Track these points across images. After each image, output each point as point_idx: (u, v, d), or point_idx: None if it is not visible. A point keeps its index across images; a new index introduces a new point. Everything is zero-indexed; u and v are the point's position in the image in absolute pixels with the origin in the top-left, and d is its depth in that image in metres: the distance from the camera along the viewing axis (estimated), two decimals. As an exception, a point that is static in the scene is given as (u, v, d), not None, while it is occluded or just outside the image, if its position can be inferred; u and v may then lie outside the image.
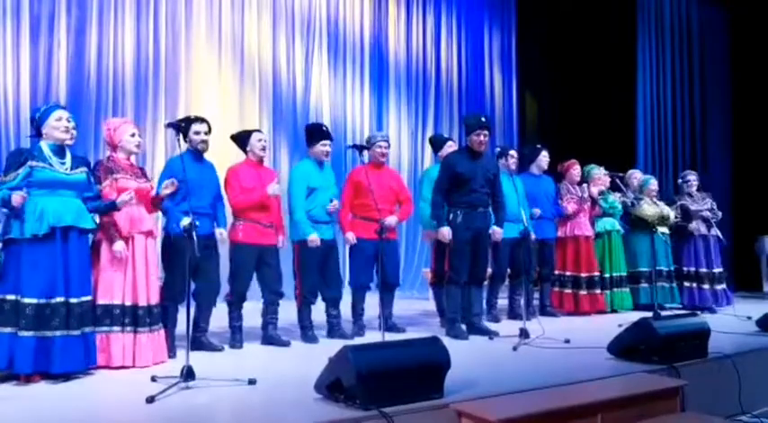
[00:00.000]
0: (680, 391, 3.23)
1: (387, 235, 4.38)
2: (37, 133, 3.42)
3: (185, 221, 3.26)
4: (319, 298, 4.57)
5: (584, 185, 5.99)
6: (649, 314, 4.19)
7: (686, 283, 6.31)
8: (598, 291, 5.84)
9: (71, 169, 3.38)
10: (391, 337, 3.69)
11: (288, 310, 4.61)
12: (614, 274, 5.98)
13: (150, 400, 2.78)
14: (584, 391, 3.09)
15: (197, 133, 4.04)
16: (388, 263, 4.60)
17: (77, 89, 6.39)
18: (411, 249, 8.64)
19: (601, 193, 6.03)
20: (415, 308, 6.51)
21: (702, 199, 6.49)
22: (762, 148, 8.37)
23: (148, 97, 6.83)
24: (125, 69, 6.69)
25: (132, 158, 3.83)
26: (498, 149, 5.46)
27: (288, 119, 7.83)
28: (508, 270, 5.55)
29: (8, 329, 3.16)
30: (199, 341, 3.99)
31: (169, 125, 3.57)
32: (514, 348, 4.08)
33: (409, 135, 8.92)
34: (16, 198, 3.14)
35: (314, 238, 4.33)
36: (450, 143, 5.39)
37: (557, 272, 5.85)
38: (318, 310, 4.58)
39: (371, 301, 4.84)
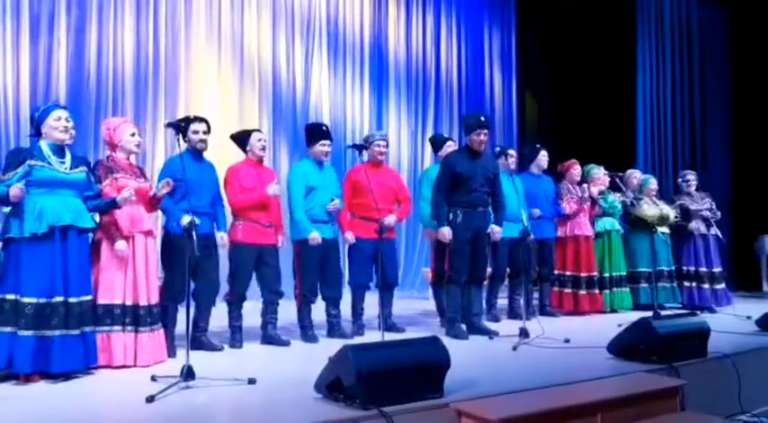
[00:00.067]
0: (679, 391, 3.23)
1: (386, 235, 4.38)
2: (36, 132, 3.42)
3: (185, 220, 3.26)
4: (319, 297, 4.57)
5: (585, 185, 5.99)
6: (649, 314, 4.19)
7: (686, 283, 6.31)
8: (597, 291, 5.85)
9: (70, 168, 3.38)
10: (391, 336, 3.69)
11: (288, 310, 4.62)
12: (614, 274, 5.99)
13: (150, 399, 2.78)
14: (584, 390, 3.09)
15: (195, 132, 4.04)
16: (387, 262, 4.59)
17: (77, 88, 6.39)
18: (411, 249, 8.64)
19: (601, 192, 6.03)
20: (415, 307, 6.51)
21: (701, 198, 6.49)
22: (762, 148, 8.37)
23: (148, 97, 6.83)
24: (125, 69, 6.68)
25: (132, 158, 3.83)
26: (498, 149, 5.45)
27: (287, 118, 7.83)
28: (507, 270, 5.55)
29: (8, 329, 3.16)
30: (199, 341, 3.99)
31: (169, 125, 3.57)
32: (514, 348, 4.08)
33: (409, 135, 8.92)
34: (14, 191, 3.13)
35: (315, 237, 4.33)
36: (449, 143, 5.39)
37: (557, 272, 5.85)
38: (318, 310, 4.58)
39: (371, 301, 4.84)
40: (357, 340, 4.28)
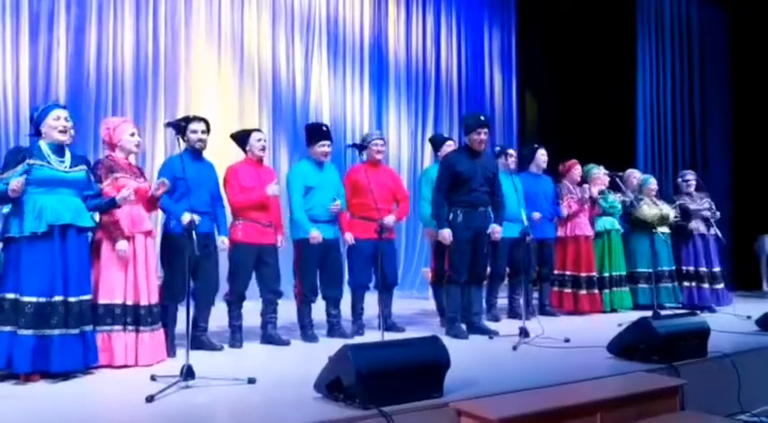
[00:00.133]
0: (679, 391, 3.24)
1: (386, 235, 4.38)
2: (36, 132, 3.42)
3: (186, 218, 3.26)
4: (319, 297, 4.57)
5: (585, 186, 5.98)
6: (649, 313, 4.19)
7: (685, 283, 6.31)
8: (597, 290, 5.85)
9: (70, 167, 3.37)
10: (391, 336, 3.69)
11: (288, 309, 4.61)
12: (614, 274, 5.99)
13: (150, 399, 2.78)
14: (584, 390, 3.09)
15: (194, 132, 4.04)
16: (387, 263, 4.59)
17: (77, 88, 6.38)
18: (411, 249, 8.64)
19: (601, 192, 6.03)
20: (415, 307, 6.50)
21: (701, 198, 6.49)
22: (762, 147, 8.37)
23: (148, 96, 6.83)
24: (125, 68, 6.68)
25: (131, 158, 3.83)
26: (498, 149, 5.45)
27: (287, 118, 7.83)
28: (507, 269, 5.55)
29: (8, 328, 3.16)
30: (198, 340, 3.99)
31: (168, 124, 3.58)
32: (514, 348, 4.08)
33: (409, 134, 8.92)
34: (15, 184, 3.12)
35: (315, 235, 4.33)
36: (449, 143, 5.39)
37: (557, 272, 5.85)
38: (318, 310, 4.58)
39: (371, 301, 4.84)
40: (357, 340, 4.28)
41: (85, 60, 6.44)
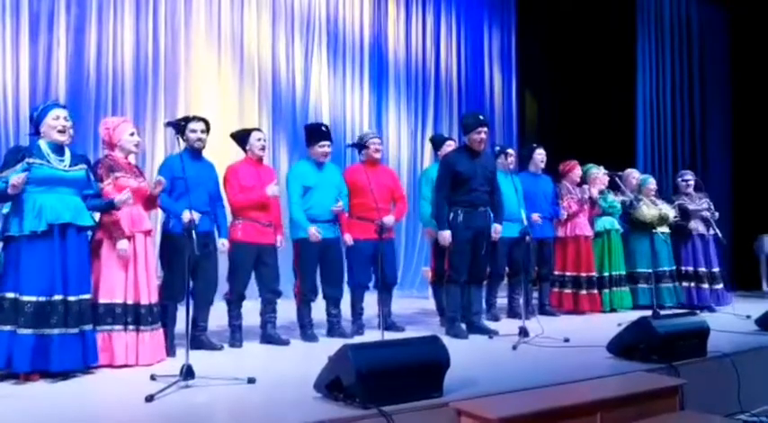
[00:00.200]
0: (679, 390, 3.24)
1: (386, 234, 4.38)
2: (35, 131, 3.42)
3: (186, 216, 3.26)
4: (320, 296, 4.57)
5: (585, 187, 5.98)
6: (649, 313, 4.19)
7: (684, 283, 6.31)
8: (596, 290, 5.85)
9: (70, 166, 3.38)
10: (391, 335, 3.70)
11: (288, 309, 4.61)
12: (613, 273, 5.99)
13: (149, 398, 2.78)
14: (584, 389, 3.09)
15: (193, 131, 4.04)
16: (386, 262, 4.59)
17: (77, 87, 6.38)
18: (410, 248, 8.64)
19: (600, 191, 6.03)
20: (415, 307, 6.50)
21: (699, 198, 6.50)
22: (762, 147, 8.37)
23: (148, 96, 6.83)
24: (124, 68, 6.68)
25: (131, 158, 3.83)
26: (498, 148, 5.44)
27: (287, 118, 7.83)
28: (506, 269, 5.55)
29: (7, 327, 3.16)
30: (198, 340, 3.99)
31: (168, 124, 3.59)
32: (514, 347, 4.08)
33: (409, 134, 8.91)
34: (16, 179, 3.12)
35: (314, 232, 4.33)
36: (450, 142, 5.39)
37: (557, 272, 5.85)
38: (318, 309, 4.58)
39: (370, 300, 4.84)
40: (357, 340, 4.28)
41: (85, 60, 6.44)
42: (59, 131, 3.37)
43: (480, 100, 9.57)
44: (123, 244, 3.53)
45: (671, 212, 6.22)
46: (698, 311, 4.85)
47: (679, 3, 8.94)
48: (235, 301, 4.27)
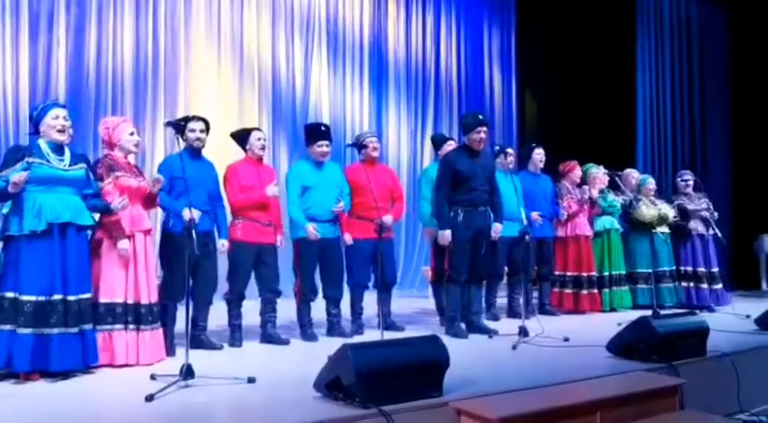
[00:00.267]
0: (679, 390, 3.24)
1: (385, 234, 4.39)
2: (35, 131, 3.42)
3: (186, 213, 3.27)
4: (320, 296, 4.58)
5: (585, 187, 5.98)
6: (648, 313, 4.19)
7: (684, 283, 6.31)
8: (596, 290, 5.85)
9: (69, 166, 3.38)
10: (390, 335, 3.70)
11: (288, 309, 4.61)
12: (613, 273, 5.99)
13: (149, 398, 2.78)
14: (584, 389, 3.10)
15: (192, 131, 4.05)
16: (386, 262, 4.59)
17: (76, 87, 6.38)
18: (410, 247, 8.63)
19: (601, 191, 6.03)
20: (415, 306, 6.50)
21: (698, 198, 6.50)
22: (761, 147, 8.37)
23: (147, 95, 6.82)
24: (124, 67, 6.68)
25: (130, 157, 3.83)
26: (497, 148, 5.45)
27: (287, 117, 7.83)
28: (506, 268, 5.55)
29: (7, 327, 3.16)
30: (198, 339, 3.99)
31: (168, 123, 3.60)
32: (514, 347, 4.08)
33: (409, 134, 8.91)
34: (17, 177, 3.12)
35: (311, 230, 4.33)
36: (450, 142, 5.39)
37: (558, 272, 5.85)
38: (318, 309, 4.58)
39: (370, 300, 4.84)
40: (356, 339, 4.28)
41: (85, 60, 6.44)
42: (59, 131, 3.37)
43: (480, 100, 9.56)
44: (124, 243, 3.53)
45: (670, 212, 6.22)
46: (697, 311, 4.85)
47: (679, 2, 8.94)
48: (235, 301, 4.27)
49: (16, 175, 3.14)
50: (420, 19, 9.14)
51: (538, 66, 9.81)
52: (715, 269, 6.35)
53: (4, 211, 3.34)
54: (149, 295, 3.62)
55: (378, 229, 4.03)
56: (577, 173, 6.00)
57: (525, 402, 2.80)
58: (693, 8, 8.93)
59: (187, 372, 3.01)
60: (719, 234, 6.35)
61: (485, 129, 4.63)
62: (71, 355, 3.22)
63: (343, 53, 8.38)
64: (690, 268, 6.34)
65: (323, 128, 4.68)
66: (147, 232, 3.71)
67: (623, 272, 6.05)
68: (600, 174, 6.03)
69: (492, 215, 4.71)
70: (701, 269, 6.31)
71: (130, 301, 3.55)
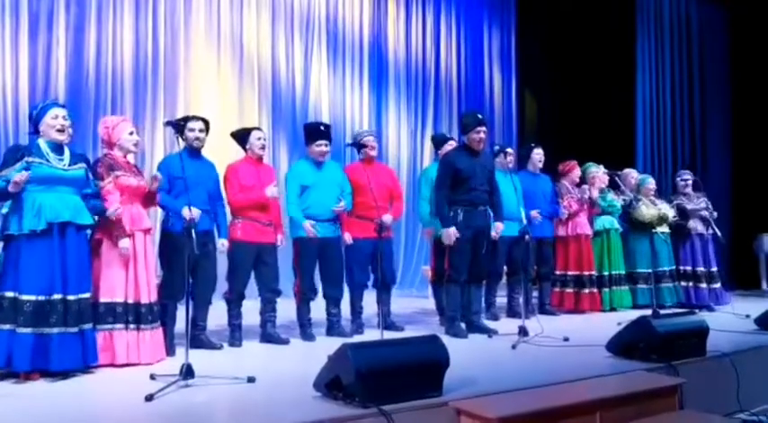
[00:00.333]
0: (678, 390, 3.24)
1: (385, 233, 4.38)
2: (35, 130, 3.42)
3: (186, 212, 3.26)
4: (320, 295, 4.57)
5: (585, 187, 5.98)
6: (648, 312, 4.19)
7: (683, 283, 6.31)
8: (596, 289, 5.85)
9: (69, 165, 3.38)
10: (390, 335, 3.70)
11: (288, 308, 4.61)
12: (613, 273, 5.99)
13: (149, 398, 2.78)
14: (583, 389, 3.10)
15: (192, 131, 4.05)
16: (385, 261, 4.60)
17: (76, 87, 6.38)
18: (410, 247, 8.63)
19: (601, 191, 6.03)
20: (414, 306, 6.50)
21: (697, 197, 6.50)
22: (761, 147, 8.37)
23: (147, 95, 6.83)
24: (124, 67, 6.68)
25: (129, 157, 3.83)
26: (497, 147, 5.44)
27: (287, 117, 7.83)
28: (505, 268, 5.55)
29: (7, 326, 3.16)
30: (198, 339, 3.99)
31: (168, 123, 3.60)
32: (513, 346, 4.08)
33: (409, 134, 8.91)
34: (19, 176, 3.12)
35: (309, 227, 4.32)
36: (451, 142, 5.38)
37: (559, 272, 5.85)
38: (318, 308, 4.58)
39: (370, 300, 4.84)
40: (356, 339, 4.28)
41: (85, 59, 6.44)
42: (58, 131, 3.37)
43: (480, 100, 9.56)
44: (125, 242, 3.53)
45: (670, 212, 6.22)
46: (697, 311, 4.85)
47: (679, 2, 8.94)
48: (234, 301, 4.27)
49: (18, 174, 3.14)
50: (420, 19, 9.14)
51: (538, 66, 9.81)
52: (714, 269, 6.35)
53: (4, 210, 3.34)
54: (149, 295, 3.62)
55: (377, 229, 4.02)
56: (577, 173, 6.00)
57: (525, 402, 2.80)
58: (693, 8, 8.93)
59: (187, 371, 3.01)
60: (719, 233, 6.35)
61: (484, 128, 4.63)
62: (71, 354, 3.22)
63: (342, 53, 8.37)
64: (689, 268, 6.34)
65: (322, 127, 4.67)
66: (147, 231, 3.71)
67: (623, 272, 6.05)
68: (599, 173, 6.03)
69: (492, 215, 4.71)
70: (701, 268, 6.31)
71: (131, 301, 3.55)
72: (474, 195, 4.59)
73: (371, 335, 4.27)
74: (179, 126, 3.73)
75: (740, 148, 8.71)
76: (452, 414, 2.75)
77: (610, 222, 6.06)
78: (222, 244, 4.13)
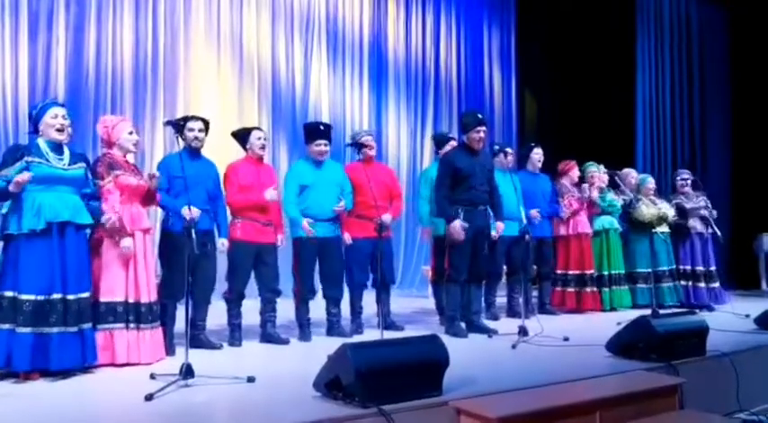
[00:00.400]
0: (678, 389, 3.24)
1: (385, 233, 4.38)
2: (34, 130, 3.42)
3: (185, 211, 3.27)
4: (319, 295, 4.57)
5: (584, 186, 5.98)
6: (648, 312, 4.19)
7: (682, 282, 6.32)
8: (596, 289, 5.85)
9: (69, 165, 3.38)
10: (390, 335, 3.70)
11: (288, 308, 4.61)
12: (613, 273, 5.99)
13: (149, 398, 2.78)
14: (583, 388, 3.10)
15: (191, 130, 4.05)
16: (385, 261, 4.59)
17: (76, 86, 6.38)
18: (410, 247, 8.63)
19: (600, 190, 6.03)
20: (414, 306, 6.50)
21: (696, 197, 6.50)
22: (761, 147, 8.38)
23: (147, 95, 6.83)
24: (124, 67, 6.68)
25: (129, 157, 3.83)
26: (497, 147, 5.43)
27: (287, 117, 7.83)
28: (504, 268, 5.55)
29: (6, 326, 3.16)
30: (197, 339, 3.99)
31: (167, 123, 3.61)
32: (513, 346, 4.08)
33: (408, 133, 8.92)
34: (20, 176, 3.12)
35: (306, 226, 4.32)
36: (452, 142, 5.38)
37: (560, 271, 5.85)
38: (317, 308, 4.58)
39: (369, 300, 4.84)
40: (356, 339, 4.28)
41: (85, 59, 6.44)
42: (58, 130, 3.37)
43: (480, 99, 9.57)
44: (127, 242, 3.53)
45: (670, 212, 6.21)
46: (697, 310, 4.85)
47: (678, 2, 8.94)
48: (234, 300, 4.27)
49: (20, 175, 3.14)
50: (420, 19, 9.14)
51: (538, 66, 9.81)
52: (713, 268, 6.35)
53: (4, 210, 3.34)
54: (149, 294, 3.62)
55: (377, 228, 4.02)
56: (576, 172, 6.00)
57: (525, 402, 2.80)
58: (693, 8, 8.93)
59: (187, 371, 3.01)
60: (718, 233, 6.35)
61: (484, 128, 4.63)
62: (70, 354, 3.22)
63: (342, 53, 8.37)
64: (688, 267, 6.34)
65: (321, 127, 4.67)
66: (147, 231, 3.71)
67: (622, 272, 6.05)
68: (599, 172, 6.03)
69: (492, 214, 4.71)
70: (700, 268, 6.31)
71: (131, 300, 3.55)
72: (474, 195, 4.59)
73: (371, 335, 4.27)
74: (179, 126, 3.73)
75: (740, 148, 8.71)
76: (452, 414, 2.75)
77: (609, 222, 6.06)
78: (222, 244, 4.14)
